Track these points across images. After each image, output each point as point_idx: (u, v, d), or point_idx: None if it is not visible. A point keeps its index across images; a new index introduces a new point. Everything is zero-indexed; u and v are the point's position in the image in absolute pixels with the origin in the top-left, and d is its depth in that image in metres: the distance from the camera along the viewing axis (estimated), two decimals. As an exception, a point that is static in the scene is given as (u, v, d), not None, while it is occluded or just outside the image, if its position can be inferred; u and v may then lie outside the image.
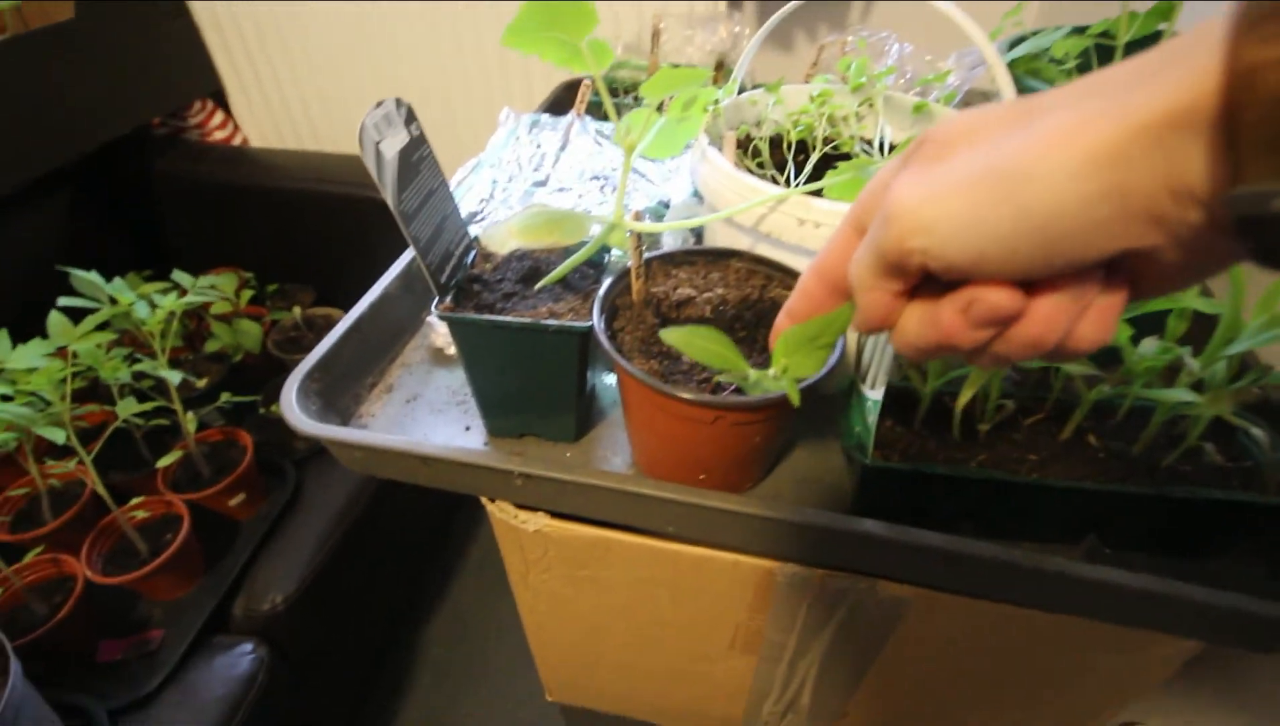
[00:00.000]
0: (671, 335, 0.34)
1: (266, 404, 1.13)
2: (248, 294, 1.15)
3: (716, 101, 0.59)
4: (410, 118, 0.44)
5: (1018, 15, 0.56)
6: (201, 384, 1.12)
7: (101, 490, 0.84)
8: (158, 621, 0.91)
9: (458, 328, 0.45)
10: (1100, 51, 0.54)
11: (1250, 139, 0.16)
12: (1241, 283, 0.38)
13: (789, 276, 0.49)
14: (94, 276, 0.82)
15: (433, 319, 0.61)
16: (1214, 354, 0.38)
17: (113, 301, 0.83)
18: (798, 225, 0.46)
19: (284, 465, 1.08)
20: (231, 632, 0.93)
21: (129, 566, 0.88)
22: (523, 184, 0.67)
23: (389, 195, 0.40)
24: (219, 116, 1.44)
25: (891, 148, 0.62)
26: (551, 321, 0.44)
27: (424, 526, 1.36)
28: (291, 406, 0.47)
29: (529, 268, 0.51)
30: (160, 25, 1.28)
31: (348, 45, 1.33)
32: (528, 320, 0.43)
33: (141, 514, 0.89)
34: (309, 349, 1.23)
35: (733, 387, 0.42)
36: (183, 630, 0.89)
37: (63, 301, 0.84)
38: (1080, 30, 0.55)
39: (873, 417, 0.39)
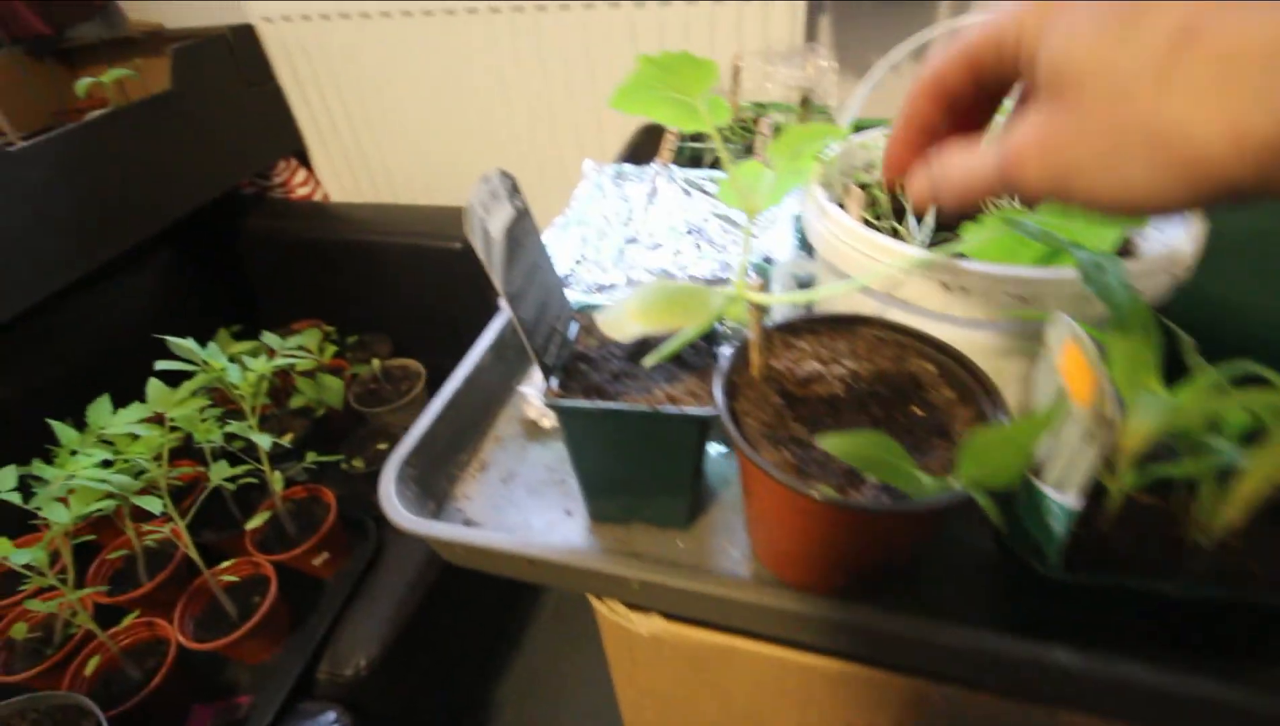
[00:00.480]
0: (833, 443, 0.29)
1: (348, 459, 1.13)
2: (331, 350, 1.16)
3: (826, 147, 0.54)
4: (514, 190, 0.41)
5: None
6: (287, 440, 1.13)
7: (194, 554, 0.84)
8: (245, 686, 0.91)
9: (567, 415, 0.41)
10: None
11: None
12: None
13: (927, 346, 0.43)
14: (189, 344, 0.83)
15: (525, 389, 0.58)
16: None
17: (206, 364, 0.84)
18: (942, 292, 0.41)
19: (366, 521, 1.07)
20: (316, 697, 0.92)
21: (219, 630, 0.88)
22: (614, 241, 0.64)
23: (497, 278, 0.37)
24: (301, 174, 1.49)
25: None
26: (671, 408, 0.39)
27: (501, 580, 1.33)
28: (391, 500, 0.44)
29: (637, 341, 0.47)
30: (249, 92, 1.33)
31: (420, 103, 1.36)
32: (645, 408, 0.39)
33: (230, 577, 0.88)
34: (388, 401, 1.23)
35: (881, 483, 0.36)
36: (269, 695, 0.88)
37: (160, 365, 0.85)
38: None
39: (1061, 527, 0.33)
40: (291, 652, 0.93)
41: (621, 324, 0.34)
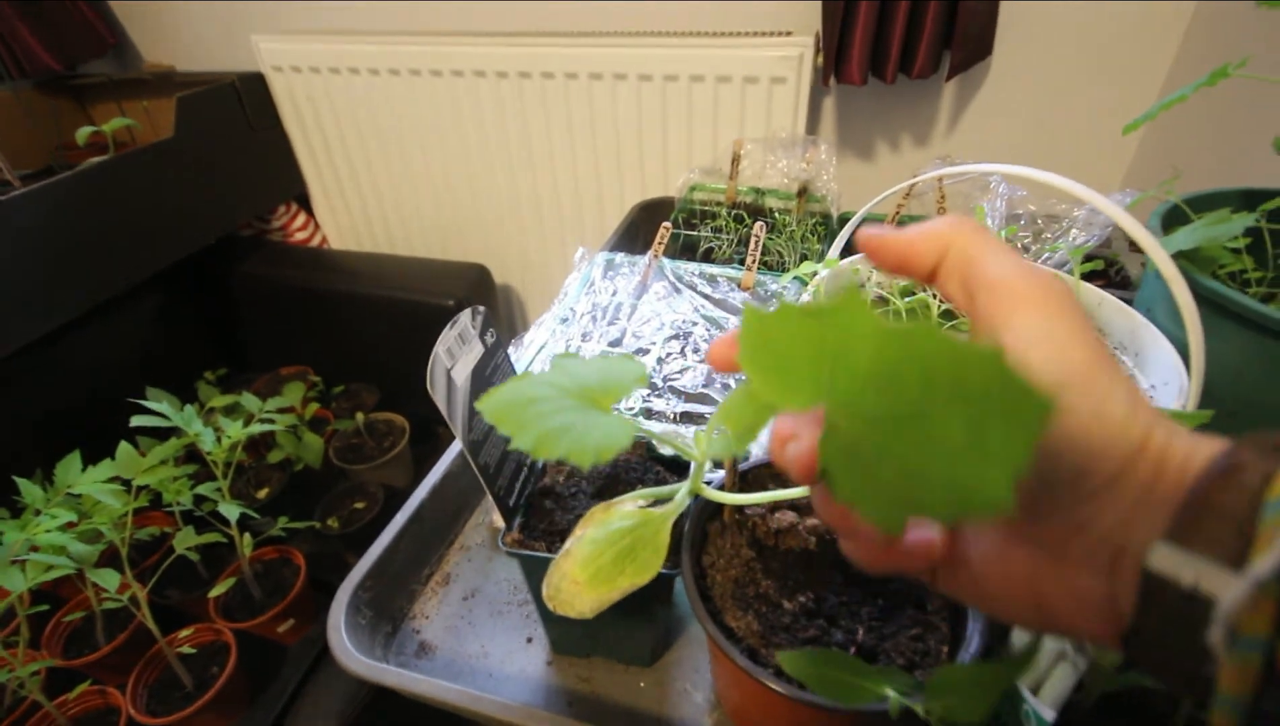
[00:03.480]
0: (791, 663, 0.27)
1: (323, 518, 1.11)
2: (313, 408, 1.15)
3: (814, 275, 0.54)
4: (486, 326, 0.40)
5: (1172, 184, 0.49)
6: (262, 494, 1.10)
7: (151, 624, 0.81)
8: (196, 761, 0.87)
9: (527, 563, 0.40)
10: (1273, 236, 0.46)
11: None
12: None
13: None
14: (164, 405, 0.82)
15: (496, 494, 0.56)
16: None
17: (179, 431, 0.82)
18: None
19: (335, 583, 1.04)
20: (270, 776, 0.88)
21: (174, 701, 0.85)
22: (598, 344, 0.63)
23: (458, 428, 0.36)
24: (301, 218, 1.49)
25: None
26: (634, 568, 0.38)
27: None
28: (340, 636, 0.42)
29: (605, 476, 0.45)
30: (253, 136, 1.34)
31: (426, 156, 1.36)
32: (606, 565, 0.38)
33: (188, 648, 0.86)
34: (369, 458, 1.21)
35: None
36: (220, 774, 0.85)
37: (137, 421, 0.84)
38: (1249, 199, 0.48)
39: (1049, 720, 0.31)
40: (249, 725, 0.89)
41: (573, 602, 0.32)
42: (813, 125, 1.21)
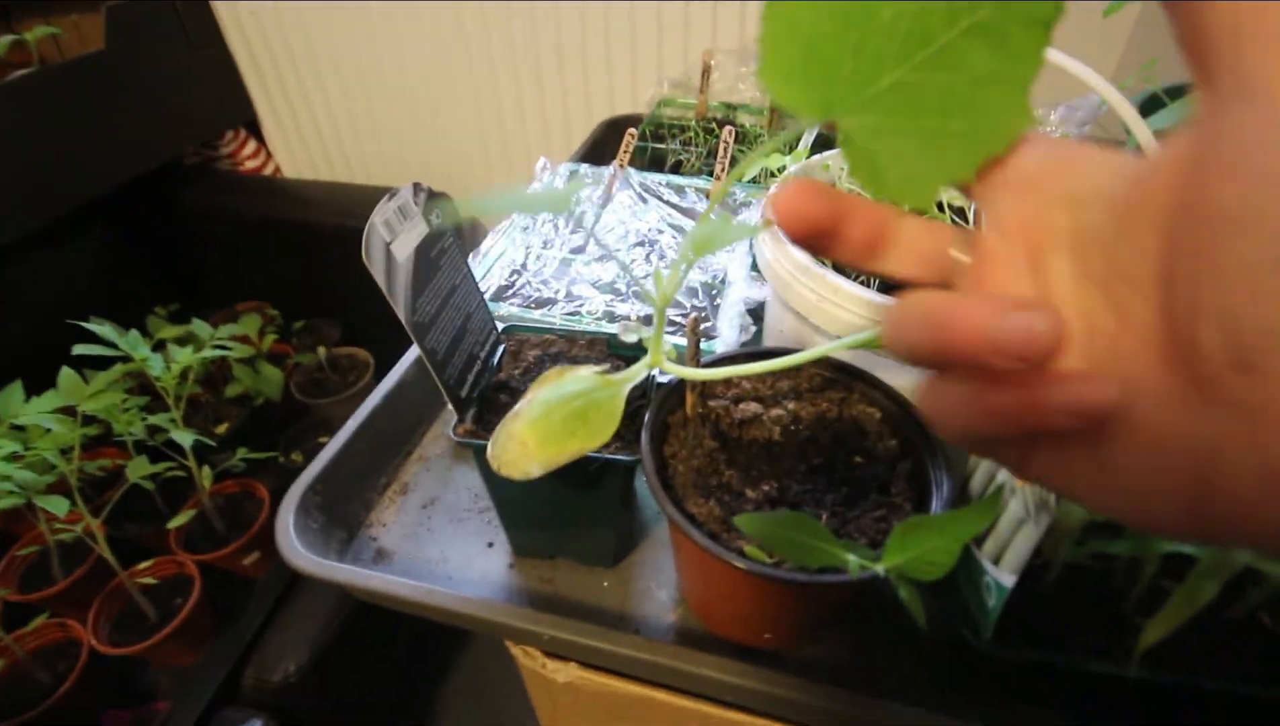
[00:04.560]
0: (749, 524, 0.26)
1: (286, 452, 1.08)
2: (270, 338, 1.10)
3: (783, 170, 0.51)
4: (431, 205, 0.37)
5: (1150, 68, 0.47)
6: (221, 429, 1.07)
7: (108, 554, 0.79)
8: (165, 691, 0.86)
9: (480, 454, 0.38)
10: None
11: None
12: None
13: (874, 389, 0.41)
14: (108, 329, 0.77)
15: (456, 405, 0.54)
16: None
17: (127, 358, 0.78)
18: (890, 335, 0.38)
19: (303, 518, 1.02)
20: (240, 704, 0.88)
21: (137, 633, 0.83)
22: (559, 251, 0.60)
23: (400, 307, 0.34)
24: (251, 146, 1.42)
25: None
26: (593, 453, 0.36)
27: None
28: (287, 534, 0.40)
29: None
30: (193, 55, 1.25)
31: (384, 77, 1.29)
32: (562, 453, 0.36)
33: (149, 579, 0.84)
34: (333, 392, 1.18)
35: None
36: (189, 702, 0.84)
37: (79, 349, 0.80)
38: None
39: (995, 602, 0.31)
40: (215, 657, 0.88)
41: (519, 462, 0.30)
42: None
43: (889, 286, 0.47)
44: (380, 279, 0.32)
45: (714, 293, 0.54)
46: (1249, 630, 0.34)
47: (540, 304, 0.54)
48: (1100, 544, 0.31)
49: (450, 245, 0.39)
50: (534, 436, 0.29)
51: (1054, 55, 0.40)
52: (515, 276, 0.56)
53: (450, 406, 0.38)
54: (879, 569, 0.26)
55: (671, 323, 0.53)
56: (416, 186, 0.37)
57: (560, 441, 0.29)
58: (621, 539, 0.46)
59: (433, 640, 1.29)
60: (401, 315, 0.34)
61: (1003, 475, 0.34)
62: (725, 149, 0.69)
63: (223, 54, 1.31)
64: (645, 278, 0.56)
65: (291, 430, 1.13)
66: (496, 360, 0.43)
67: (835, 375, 0.42)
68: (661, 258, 0.59)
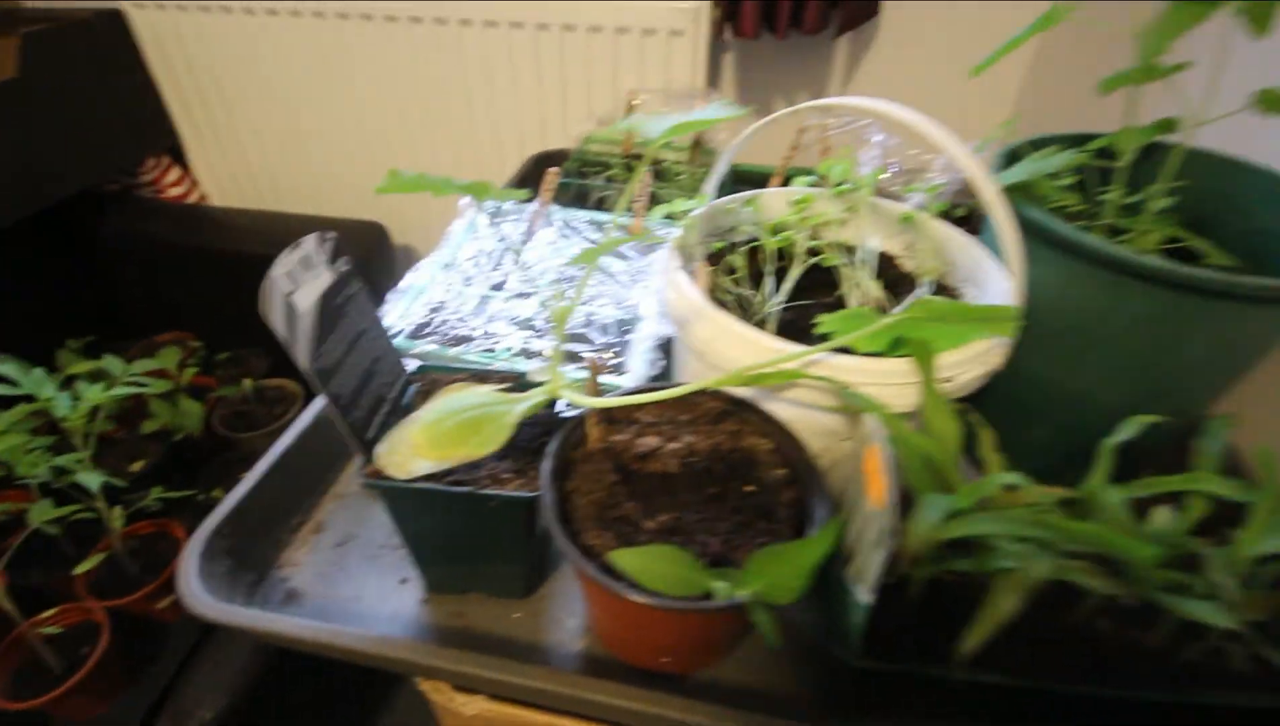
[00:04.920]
0: (624, 559, 0.28)
1: (208, 488, 1.05)
2: (191, 371, 1.07)
3: (686, 213, 0.55)
4: (336, 252, 0.39)
5: (1012, 125, 0.52)
6: (137, 467, 1.03)
7: (7, 604, 0.75)
8: (69, 746, 0.82)
9: (384, 495, 0.39)
10: (1100, 172, 0.50)
11: None
12: (1273, 464, 0.33)
13: (764, 422, 0.44)
14: (10, 368, 0.75)
15: (373, 441, 0.55)
16: (1239, 552, 0.33)
17: (31, 397, 0.76)
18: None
19: (224, 557, 0.99)
20: (153, 755, 0.84)
21: (40, 685, 0.79)
22: (479, 288, 0.62)
23: (301, 355, 0.35)
24: (175, 173, 1.38)
25: (880, 257, 0.58)
26: (493, 492, 0.38)
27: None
28: (187, 581, 0.40)
29: (475, 408, 0.45)
30: (113, 82, 1.22)
31: (315, 105, 1.29)
32: (464, 490, 0.37)
33: (52, 628, 0.80)
34: (259, 425, 1.16)
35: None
36: (97, 757, 0.80)
37: (-20, 388, 0.76)
38: (1077, 141, 0.52)
39: (858, 617, 0.34)
40: (126, 708, 0.84)
41: (405, 461, 0.32)
42: (714, 79, 1.22)
43: (789, 329, 0.51)
44: (279, 330, 0.34)
45: (627, 329, 0.57)
46: (1087, 634, 0.38)
47: (458, 341, 0.55)
48: (950, 563, 0.34)
49: (357, 291, 0.40)
50: (424, 438, 0.31)
51: (910, 118, 0.44)
52: (433, 314, 0.57)
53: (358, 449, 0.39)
54: (741, 595, 0.28)
55: (584, 360, 0.55)
56: (322, 235, 0.38)
57: (450, 446, 0.31)
58: (532, 571, 0.47)
59: (365, 679, 1.26)
60: (302, 363, 0.35)
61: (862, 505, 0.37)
62: (643, 188, 0.72)
63: (145, 80, 1.28)
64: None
65: (214, 465, 1.10)
66: (407, 400, 0.45)
67: (730, 408, 0.45)
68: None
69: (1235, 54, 0.43)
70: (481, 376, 0.46)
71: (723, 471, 0.42)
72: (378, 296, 0.64)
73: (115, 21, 1.22)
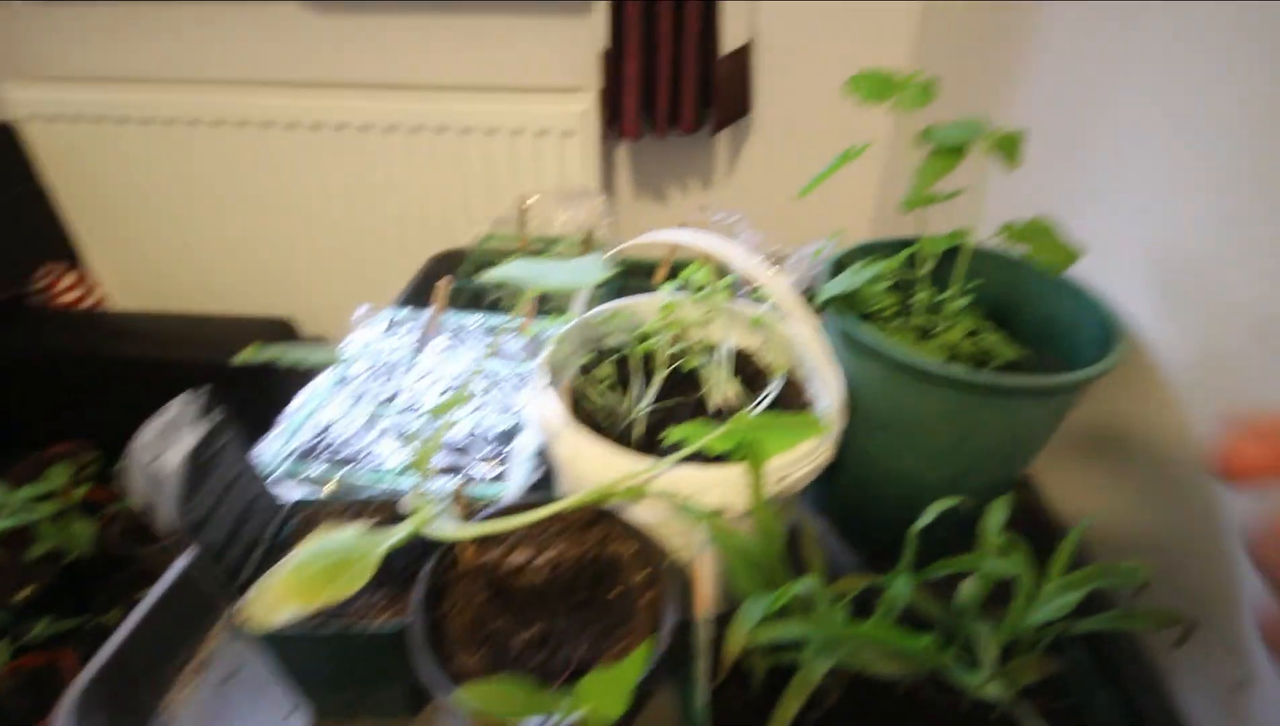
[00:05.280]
0: (466, 697, 0.31)
1: (105, 609, 1.00)
2: (84, 488, 1.04)
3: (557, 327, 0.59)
4: (209, 407, 0.41)
5: (837, 237, 0.60)
6: (25, 594, 0.98)
7: None
8: None
9: (257, 640, 0.41)
10: (904, 284, 0.58)
11: None
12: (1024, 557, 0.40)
13: (628, 530, 0.48)
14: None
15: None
16: (1013, 622, 0.39)
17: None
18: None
19: (122, 683, 0.94)
20: None
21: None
22: (369, 405, 0.64)
23: (167, 517, 0.37)
24: (69, 278, 1.35)
25: (738, 355, 0.65)
26: (361, 628, 0.40)
27: None
28: (57, 744, 0.40)
29: (354, 536, 0.47)
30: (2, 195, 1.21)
31: (217, 206, 1.30)
32: (331, 632, 0.40)
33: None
34: (160, 539, 1.11)
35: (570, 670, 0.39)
36: None
37: None
38: (898, 247, 0.59)
39: (700, 717, 0.38)
40: None
41: (273, 607, 0.34)
42: (609, 175, 1.30)
43: (656, 431, 0.55)
44: (139, 498, 0.36)
45: (510, 438, 0.60)
46: (915, 702, 0.43)
47: (345, 462, 0.57)
48: (779, 655, 0.39)
49: (229, 440, 0.43)
50: (290, 584, 0.33)
51: (712, 246, 0.50)
52: (321, 436, 0.60)
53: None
54: (570, 718, 0.31)
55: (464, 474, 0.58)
56: (191, 395, 0.41)
57: (315, 590, 0.33)
58: (417, 690, 0.49)
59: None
60: (168, 524, 0.37)
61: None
62: (532, 292, 0.77)
63: (36, 190, 1.27)
64: (450, 427, 0.62)
65: (111, 585, 1.05)
66: (286, 535, 0.47)
67: (597, 516, 0.49)
68: (475, 399, 0.65)
69: (1008, 174, 0.51)
70: (359, 506, 0.49)
71: (590, 578, 0.46)
72: (278, 402, 0.65)
73: (4, 135, 1.21)
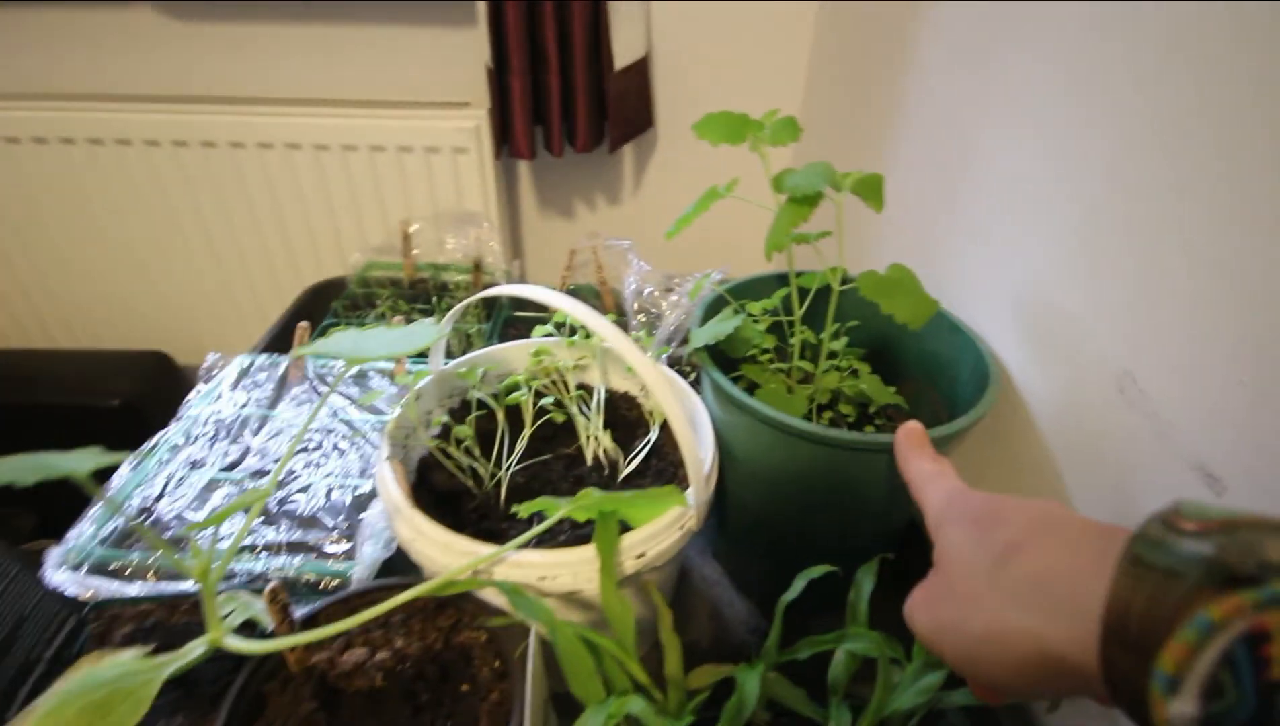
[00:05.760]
0: None
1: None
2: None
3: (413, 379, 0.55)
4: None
5: (708, 278, 0.57)
6: None
7: None
8: None
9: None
10: (777, 326, 0.56)
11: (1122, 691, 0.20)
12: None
13: (482, 611, 0.44)
14: None
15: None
16: (871, 716, 0.36)
17: None
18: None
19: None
20: None
21: None
22: (210, 469, 0.58)
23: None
24: (-95, 315, 1.21)
25: (621, 398, 0.61)
26: (146, 768, 0.35)
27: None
28: None
29: (161, 642, 0.41)
30: None
31: (80, 232, 1.18)
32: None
33: None
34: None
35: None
36: None
37: None
38: (785, 280, 0.57)
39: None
40: None
41: None
42: (512, 193, 1.25)
43: (521, 493, 0.52)
44: None
45: (364, 505, 0.55)
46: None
47: (171, 545, 0.51)
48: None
49: (19, 572, 0.37)
50: (43, 722, 0.27)
51: (570, 308, 0.47)
52: (144, 514, 0.53)
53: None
54: None
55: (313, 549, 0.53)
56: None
57: None
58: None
59: None
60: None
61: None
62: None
63: None
64: (299, 494, 0.56)
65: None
66: (77, 649, 0.40)
67: (446, 602, 0.45)
68: (320, 466, 0.59)
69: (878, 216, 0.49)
70: (171, 603, 0.43)
71: (436, 675, 0.42)
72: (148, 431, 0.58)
73: None
